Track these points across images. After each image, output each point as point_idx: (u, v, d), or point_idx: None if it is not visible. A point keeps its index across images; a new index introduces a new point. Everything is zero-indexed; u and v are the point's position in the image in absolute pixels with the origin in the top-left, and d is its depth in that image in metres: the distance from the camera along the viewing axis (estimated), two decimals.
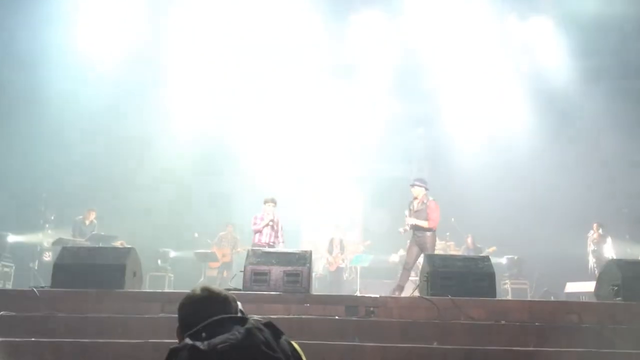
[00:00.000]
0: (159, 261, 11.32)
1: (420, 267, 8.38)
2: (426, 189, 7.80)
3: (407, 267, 7.60)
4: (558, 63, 12.48)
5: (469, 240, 11.60)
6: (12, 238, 10.53)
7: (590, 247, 10.58)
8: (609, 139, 12.12)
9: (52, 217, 12.05)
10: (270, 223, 8.42)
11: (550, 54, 12.55)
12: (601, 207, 11.82)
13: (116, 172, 12.50)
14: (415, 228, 7.58)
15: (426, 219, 7.47)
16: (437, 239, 11.33)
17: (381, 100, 14.04)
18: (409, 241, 7.93)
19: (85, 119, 11.71)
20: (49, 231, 11.67)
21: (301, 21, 12.31)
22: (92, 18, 11.92)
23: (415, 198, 7.74)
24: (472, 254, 10.80)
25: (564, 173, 12.44)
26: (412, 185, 7.87)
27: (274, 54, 12.61)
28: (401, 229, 7.99)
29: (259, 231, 8.38)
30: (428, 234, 7.48)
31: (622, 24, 11.37)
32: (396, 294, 7.20)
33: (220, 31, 12.62)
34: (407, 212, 7.67)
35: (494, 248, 11.36)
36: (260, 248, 7.80)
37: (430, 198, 7.73)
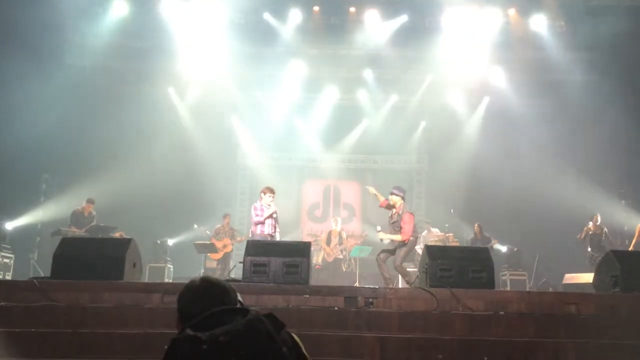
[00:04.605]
0: (158, 252, 11.32)
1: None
2: (403, 198, 7.71)
3: (380, 262, 7.58)
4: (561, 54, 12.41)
5: (477, 229, 11.53)
6: (10, 225, 10.54)
7: (588, 238, 10.59)
8: (611, 125, 12.05)
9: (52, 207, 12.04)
10: (275, 215, 8.26)
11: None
12: (600, 197, 11.82)
13: (115, 162, 12.46)
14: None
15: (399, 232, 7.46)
16: (439, 232, 11.51)
17: (382, 91, 13.99)
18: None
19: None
20: (48, 221, 11.66)
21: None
22: None
23: (393, 207, 7.68)
24: (479, 243, 10.82)
25: (562, 162, 12.42)
26: (390, 194, 7.78)
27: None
28: (379, 231, 7.88)
29: (261, 222, 8.12)
30: (403, 248, 7.43)
31: None
32: (391, 287, 7.20)
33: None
34: (378, 227, 7.70)
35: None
36: (262, 239, 7.73)
37: (407, 209, 7.70)
